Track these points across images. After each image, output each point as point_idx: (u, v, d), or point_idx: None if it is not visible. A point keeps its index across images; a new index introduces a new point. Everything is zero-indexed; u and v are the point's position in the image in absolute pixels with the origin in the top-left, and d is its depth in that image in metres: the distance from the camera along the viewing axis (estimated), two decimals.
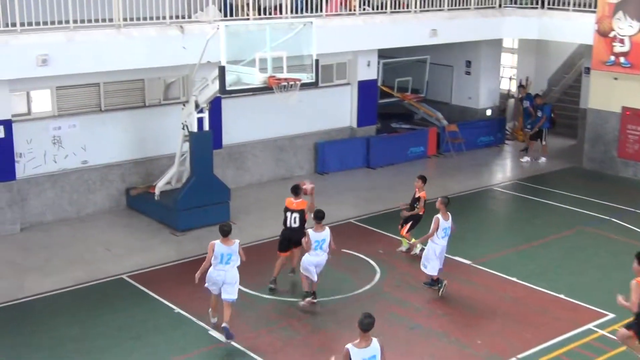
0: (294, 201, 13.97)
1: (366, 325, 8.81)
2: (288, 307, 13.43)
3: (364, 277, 14.55)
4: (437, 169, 22.07)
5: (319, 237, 13.13)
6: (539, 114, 22.86)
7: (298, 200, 13.98)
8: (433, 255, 13.80)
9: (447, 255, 15.33)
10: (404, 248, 15.67)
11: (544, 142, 22.98)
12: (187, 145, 16.96)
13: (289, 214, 13.92)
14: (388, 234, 15.97)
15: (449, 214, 13.84)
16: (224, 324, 12.05)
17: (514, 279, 14.66)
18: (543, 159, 22.94)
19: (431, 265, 13.86)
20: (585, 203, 19.16)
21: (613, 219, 17.96)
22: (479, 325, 12.93)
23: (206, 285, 12.24)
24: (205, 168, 16.92)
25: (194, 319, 12.87)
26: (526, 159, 22.98)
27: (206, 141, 16.89)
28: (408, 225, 15.51)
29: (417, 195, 15.45)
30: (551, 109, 23.09)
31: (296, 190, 14.08)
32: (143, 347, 12.04)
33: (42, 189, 16.92)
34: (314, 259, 13.12)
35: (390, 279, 14.59)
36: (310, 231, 13.18)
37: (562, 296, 14.02)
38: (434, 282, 13.98)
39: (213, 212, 16.95)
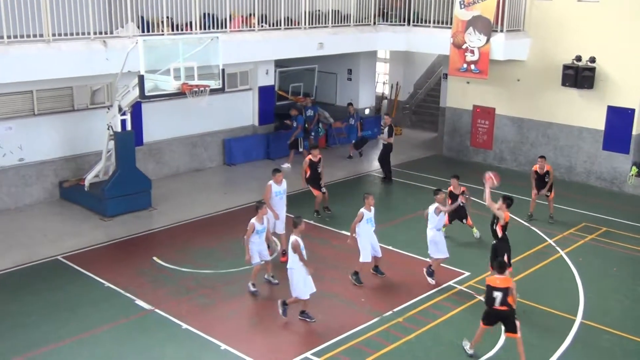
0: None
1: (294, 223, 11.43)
2: (204, 278, 13.30)
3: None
4: (326, 159, 22.09)
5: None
6: (294, 124, 21.23)
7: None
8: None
9: (335, 230, 15.54)
10: None
11: (301, 149, 21.06)
12: (112, 144, 16.55)
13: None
14: (287, 214, 15.96)
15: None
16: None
17: (390, 247, 14.94)
18: (286, 165, 20.62)
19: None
20: (445, 184, 19.58)
21: (468, 196, 18.53)
22: (363, 287, 13.13)
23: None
24: (129, 162, 16.53)
25: (122, 292, 12.60)
26: (286, 165, 20.60)
27: (129, 139, 16.50)
28: None
29: None
30: (304, 120, 21.42)
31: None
32: (77, 318, 11.70)
33: None
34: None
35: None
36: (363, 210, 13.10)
37: (428, 260, 14.38)
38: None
39: (136, 200, 16.71)
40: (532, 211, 16.89)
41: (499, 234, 12.47)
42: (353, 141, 22.79)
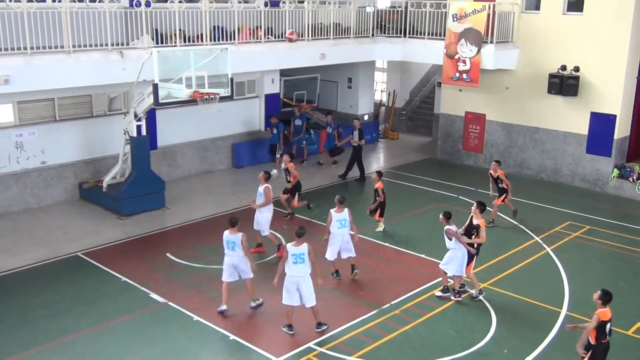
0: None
1: (299, 234, 10.67)
2: (213, 273, 13.27)
3: (271, 248, 14.51)
4: (327, 162, 22.20)
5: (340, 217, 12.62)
6: (274, 131, 20.56)
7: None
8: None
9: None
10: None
11: (277, 155, 20.50)
12: (128, 147, 16.54)
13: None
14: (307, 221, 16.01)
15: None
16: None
17: (387, 244, 14.94)
18: (274, 171, 19.40)
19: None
20: (439, 185, 19.70)
21: (460, 197, 18.51)
22: (362, 282, 13.10)
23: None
24: (144, 165, 16.52)
25: (137, 286, 12.58)
26: (274, 171, 19.91)
27: (144, 144, 16.49)
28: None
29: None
30: (283, 128, 20.79)
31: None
32: (95, 310, 11.69)
33: (7, 185, 16.14)
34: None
35: None
36: (331, 211, 12.65)
37: (423, 256, 14.37)
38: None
39: (151, 200, 16.69)
40: (514, 208, 16.82)
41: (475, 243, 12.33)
42: (328, 149, 22.36)
